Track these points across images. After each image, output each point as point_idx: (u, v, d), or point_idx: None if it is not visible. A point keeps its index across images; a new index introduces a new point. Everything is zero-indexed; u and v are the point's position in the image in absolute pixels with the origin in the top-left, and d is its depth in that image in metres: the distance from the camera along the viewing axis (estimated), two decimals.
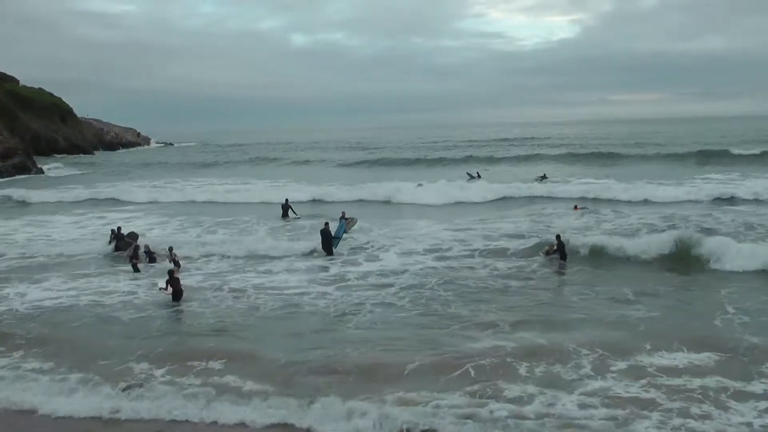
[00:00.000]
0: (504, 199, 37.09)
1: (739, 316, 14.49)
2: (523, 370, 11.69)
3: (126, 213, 35.69)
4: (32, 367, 12.75)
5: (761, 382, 10.92)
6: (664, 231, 23.23)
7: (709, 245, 20.10)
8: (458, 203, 36.37)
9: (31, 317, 16.28)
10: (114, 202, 41.53)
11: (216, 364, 12.46)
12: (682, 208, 30.51)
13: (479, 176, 49.84)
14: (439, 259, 21.41)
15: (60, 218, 34.21)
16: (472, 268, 20.13)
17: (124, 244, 24.01)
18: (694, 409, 9.98)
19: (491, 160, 68.01)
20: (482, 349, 12.81)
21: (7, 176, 60.97)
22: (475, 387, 11.02)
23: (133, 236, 25.03)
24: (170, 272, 17.59)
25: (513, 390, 10.83)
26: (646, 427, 9.52)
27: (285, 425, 10.09)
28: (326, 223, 23.47)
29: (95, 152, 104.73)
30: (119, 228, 25.58)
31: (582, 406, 10.22)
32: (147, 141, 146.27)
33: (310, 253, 22.79)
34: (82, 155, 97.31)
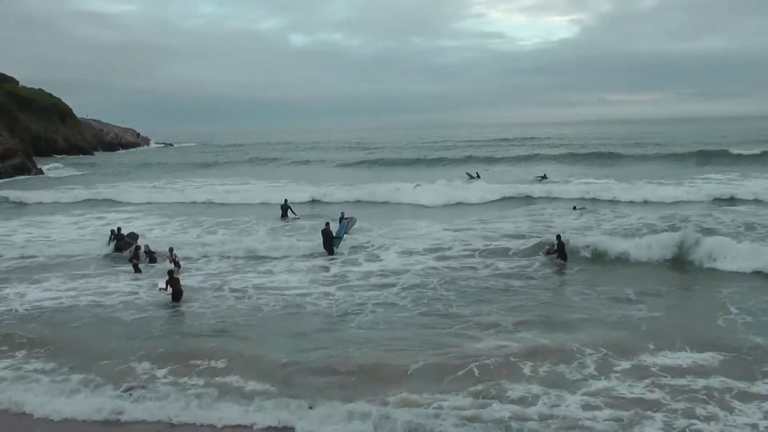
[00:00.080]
0: (504, 199, 37.03)
1: (742, 316, 14.46)
2: (527, 370, 11.67)
3: (126, 213, 35.61)
4: (33, 367, 12.71)
5: (765, 383, 10.88)
6: (664, 231, 23.21)
7: (709, 245, 20.07)
8: (458, 203, 36.30)
9: (32, 318, 16.24)
10: (114, 202, 41.44)
11: (218, 365, 12.42)
12: (682, 208, 30.47)
13: (479, 176, 49.78)
14: (439, 258, 21.38)
15: (59, 219, 34.14)
16: (473, 268, 20.10)
17: (124, 244, 23.97)
18: (699, 410, 9.94)
19: (491, 160, 67.91)
20: (485, 348, 12.78)
21: (7, 177, 60.82)
22: (479, 387, 10.99)
23: (133, 236, 24.99)
24: (170, 272, 17.55)
25: (517, 390, 10.80)
26: (651, 429, 9.47)
27: (286, 427, 10.04)
28: (327, 224, 23.48)
29: (95, 153, 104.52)
30: (119, 228, 25.52)
31: (586, 407, 10.18)
32: (147, 141, 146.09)
33: (311, 254, 22.75)
34: (81, 156, 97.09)
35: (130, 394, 11.16)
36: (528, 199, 36.74)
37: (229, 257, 22.73)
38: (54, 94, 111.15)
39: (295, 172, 63.82)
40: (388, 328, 14.60)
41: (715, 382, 10.90)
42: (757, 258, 18.92)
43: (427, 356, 12.44)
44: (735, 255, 19.31)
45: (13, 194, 44.76)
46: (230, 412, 10.43)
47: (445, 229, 26.60)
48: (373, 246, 23.45)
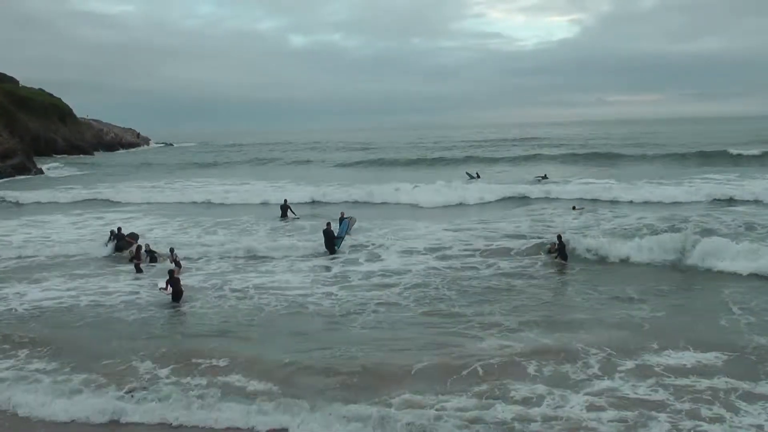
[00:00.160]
0: (504, 199, 36.99)
1: (745, 317, 14.42)
2: (531, 369, 11.63)
3: (125, 213, 35.55)
4: (35, 367, 12.65)
5: None
6: (664, 231, 23.18)
7: (710, 246, 20.02)
8: (458, 203, 36.26)
9: (33, 318, 16.19)
10: (113, 202, 41.40)
11: (220, 365, 12.36)
12: (681, 209, 30.44)
13: (478, 176, 49.74)
14: (440, 258, 21.35)
15: (58, 218, 34.07)
16: (474, 268, 20.07)
17: (124, 244, 23.92)
18: (705, 411, 9.89)
19: (491, 161, 67.90)
20: (489, 348, 12.74)
21: (7, 177, 60.77)
22: (483, 387, 10.95)
23: (134, 237, 24.93)
24: (170, 272, 17.49)
25: (521, 390, 10.75)
26: (656, 431, 9.41)
27: (287, 429, 9.97)
28: (328, 224, 23.50)
29: (95, 153, 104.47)
30: (119, 228, 25.47)
31: (590, 407, 10.13)
32: (146, 141, 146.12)
33: (312, 253, 22.71)
34: (81, 156, 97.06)
35: (132, 396, 11.10)
36: (528, 199, 36.70)
37: (229, 257, 22.69)
38: (54, 94, 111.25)
39: (294, 172, 63.79)
40: (390, 327, 14.57)
41: (720, 382, 10.86)
42: (758, 259, 18.87)
43: (430, 356, 12.39)
44: (735, 256, 19.28)
45: (13, 194, 44.69)
46: (232, 413, 10.37)
47: (446, 230, 26.55)
48: (373, 245, 23.43)
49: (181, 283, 17.48)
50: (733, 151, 60.54)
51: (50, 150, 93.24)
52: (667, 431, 9.42)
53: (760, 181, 38.88)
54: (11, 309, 16.92)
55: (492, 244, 22.93)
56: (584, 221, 27.84)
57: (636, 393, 10.60)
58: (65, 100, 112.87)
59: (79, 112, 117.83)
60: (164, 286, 17.20)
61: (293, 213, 31.88)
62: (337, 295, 17.44)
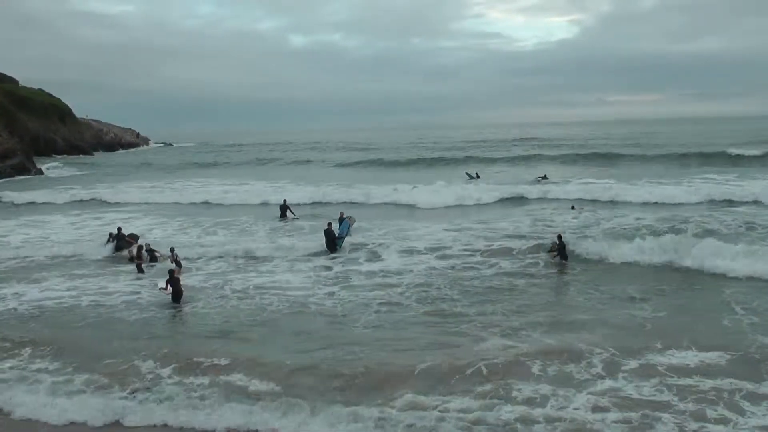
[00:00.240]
0: (503, 199, 36.95)
1: (748, 317, 14.39)
2: (535, 369, 11.60)
3: (125, 214, 35.47)
4: (37, 367, 12.62)
5: None
6: (664, 231, 23.16)
7: (710, 246, 19.98)
8: (458, 204, 36.19)
9: (33, 318, 16.14)
10: (113, 202, 41.31)
11: (222, 366, 12.31)
12: (681, 209, 30.41)
13: (478, 177, 49.70)
14: (441, 258, 21.32)
15: (58, 219, 34.00)
16: (476, 268, 20.04)
17: (124, 244, 23.86)
18: (710, 412, 9.86)
19: (490, 161, 67.86)
20: (492, 348, 12.72)
21: (6, 177, 60.64)
22: (487, 387, 10.92)
23: (134, 237, 24.88)
24: (171, 272, 17.45)
25: (525, 391, 10.72)
26: None
27: (288, 430, 9.92)
28: (329, 224, 23.49)
29: (94, 153, 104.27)
30: (119, 228, 25.40)
31: (594, 408, 10.10)
32: (146, 141, 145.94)
33: (312, 253, 22.68)
34: (81, 156, 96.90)
35: (134, 396, 11.06)
36: (528, 200, 36.66)
37: (229, 257, 22.63)
38: (54, 94, 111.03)
39: (294, 172, 63.73)
40: (393, 327, 14.54)
41: (724, 382, 10.83)
42: (758, 259, 18.82)
43: (433, 356, 12.36)
44: (735, 256, 19.23)
45: (12, 194, 44.58)
46: (234, 414, 10.32)
47: (446, 230, 26.50)
48: (374, 245, 23.38)
49: (182, 283, 17.44)
50: (733, 151, 60.51)
51: (50, 150, 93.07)
52: None
53: (760, 182, 38.86)
54: (12, 309, 16.86)
55: (493, 244, 22.89)
56: (584, 221, 27.81)
57: (640, 393, 10.57)
58: (65, 100, 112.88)
59: (79, 112, 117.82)
60: (164, 286, 17.16)
61: (292, 213, 31.83)
62: (338, 295, 17.41)
